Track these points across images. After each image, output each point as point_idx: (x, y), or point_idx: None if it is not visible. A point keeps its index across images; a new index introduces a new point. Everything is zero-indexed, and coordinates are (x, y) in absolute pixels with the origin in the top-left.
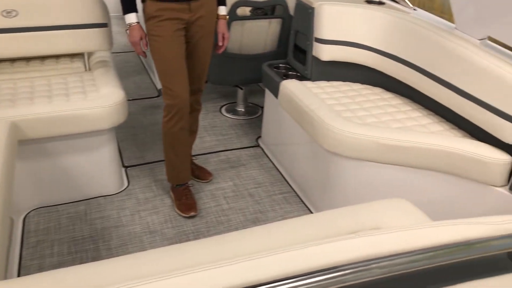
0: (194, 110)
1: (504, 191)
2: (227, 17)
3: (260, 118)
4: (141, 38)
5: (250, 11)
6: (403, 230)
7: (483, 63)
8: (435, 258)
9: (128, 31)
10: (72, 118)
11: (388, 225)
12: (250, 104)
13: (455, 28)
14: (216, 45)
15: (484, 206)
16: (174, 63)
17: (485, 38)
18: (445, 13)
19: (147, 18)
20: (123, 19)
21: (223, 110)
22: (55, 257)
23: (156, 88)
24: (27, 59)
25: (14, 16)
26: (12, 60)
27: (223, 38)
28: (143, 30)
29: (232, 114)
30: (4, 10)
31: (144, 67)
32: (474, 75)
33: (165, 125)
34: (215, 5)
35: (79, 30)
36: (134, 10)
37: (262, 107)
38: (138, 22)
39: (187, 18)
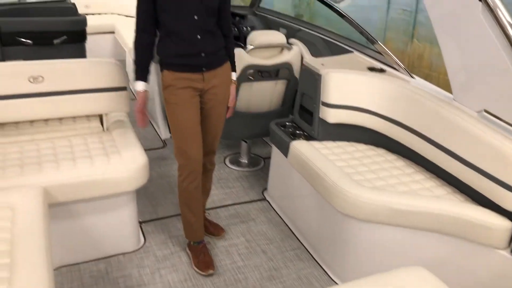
0: (208, 170)
1: (506, 253)
2: (236, 82)
3: (263, 170)
4: (143, 105)
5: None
6: None
7: (481, 134)
8: None
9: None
10: (98, 182)
11: None
12: (253, 155)
13: (453, 99)
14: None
15: (488, 267)
16: (189, 127)
17: (481, 111)
18: (433, 70)
19: (165, 86)
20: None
21: (227, 161)
22: None
23: (161, 138)
24: (46, 119)
25: (40, 82)
26: (31, 120)
27: (230, 103)
28: (147, 99)
29: (237, 166)
30: (31, 76)
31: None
32: (472, 144)
33: (180, 184)
34: (229, 74)
35: (100, 94)
36: (143, 79)
37: (264, 158)
38: (145, 91)
39: (201, 87)
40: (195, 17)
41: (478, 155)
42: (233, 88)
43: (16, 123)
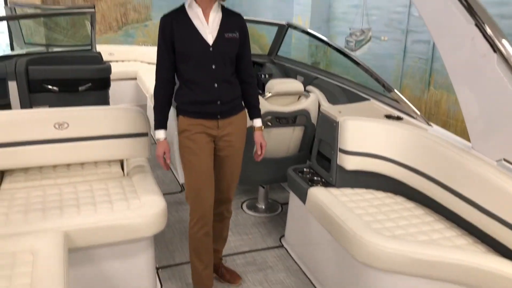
0: (225, 217)
1: None
2: (263, 127)
3: (280, 216)
4: (164, 153)
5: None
6: None
7: (501, 184)
8: None
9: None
10: (117, 227)
11: None
12: (270, 201)
13: (472, 147)
14: (255, 153)
15: None
16: (202, 172)
17: (501, 160)
18: (450, 118)
19: (180, 131)
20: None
21: (244, 206)
22: None
23: (179, 183)
24: (68, 164)
25: (65, 128)
26: (55, 165)
27: (261, 147)
28: (168, 146)
29: (254, 211)
30: (57, 123)
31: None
32: (492, 194)
33: (190, 229)
34: (244, 123)
35: (122, 140)
36: (164, 127)
37: (282, 204)
38: (165, 138)
39: (215, 134)
40: (213, 67)
41: (499, 204)
42: (259, 134)
43: (40, 167)
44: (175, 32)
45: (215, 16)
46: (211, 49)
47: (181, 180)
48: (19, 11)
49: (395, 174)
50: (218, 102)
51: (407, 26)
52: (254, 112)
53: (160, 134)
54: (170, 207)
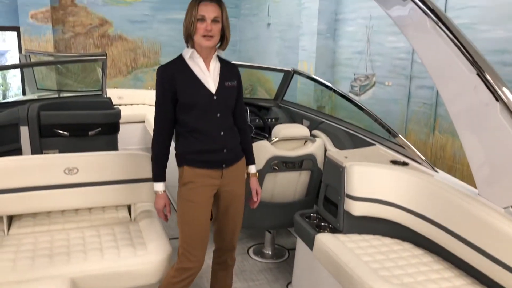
0: (228, 266)
1: None
2: (257, 174)
3: (287, 262)
4: (164, 206)
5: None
6: None
7: (509, 231)
8: None
9: (155, 197)
10: (123, 274)
11: None
12: (277, 246)
13: (478, 194)
14: (250, 200)
15: None
16: (201, 229)
17: (508, 207)
18: (456, 162)
19: (183, 182)
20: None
21: (250, 252)
22: None
23: None
24: (76, 209)
25: (75, 173)
26: (63, 210)
27: (256, 193)
28: (167, 199)
29: (260, 257)
30: (66, 168)
31: (174, 207)
32: (501, 241)
33: (171, 278)
34: (244, 169)
35: (129, 185)
36: (164, 179)
37: (289, 250)
38: (164, 191)
39: (218, 183)
40: (218, 115)
41: (508, 252)
42: (255, 180)
43: (48, 212)
44: (177, 83)
45: (215, 66)
46: (215, 97)
47: None
48: (33, 59)
49: (402, 220)
50: (224, 150)
51: (410, 72)
52: (250, 158)
53: (159, 186)
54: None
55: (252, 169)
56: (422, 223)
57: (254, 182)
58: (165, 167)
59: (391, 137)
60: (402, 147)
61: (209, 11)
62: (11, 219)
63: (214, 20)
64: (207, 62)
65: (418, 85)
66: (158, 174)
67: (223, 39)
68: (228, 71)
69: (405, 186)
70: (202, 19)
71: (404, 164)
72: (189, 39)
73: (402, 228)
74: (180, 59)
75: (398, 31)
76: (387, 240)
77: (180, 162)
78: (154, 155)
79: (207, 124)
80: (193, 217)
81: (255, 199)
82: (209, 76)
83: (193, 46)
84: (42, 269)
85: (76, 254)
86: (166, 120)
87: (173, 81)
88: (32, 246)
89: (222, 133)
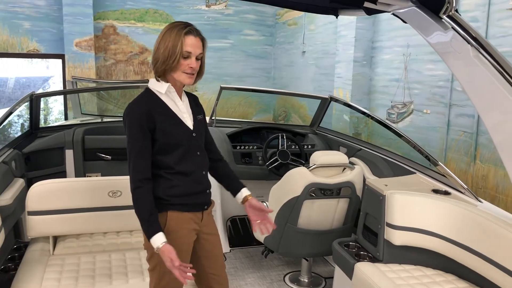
0: None
1: None
2: (251, 196)
3: None
4: (176, 258)
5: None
6: None
7: None
8: None
9: (161, 254)
10: None
11: None
12: (314, 274)
13: None
14: (264, 220)
15: None
16: (177, 283)
17: None
18: (499, 193)
19: (167, 232)
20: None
21: (286, 279)
22: None
23: None
24: (118, 231)
25: (118, 196)
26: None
27: (265, 210)
28: (173, 248)
29: (297, 285)
30: (110, 191)
31: None
32: None
33: None
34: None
35: None
36: (161, 229)
37: (325, 278)
38: (165, 242)
39: (198, 228)
40: (198, 153)
41: None
42: (255, 200)
43: (91, 234)
44: (156, 122)
45: (185, 100)
46: (194, 134)
47: (223, 249)
48: (79, 85)
49: (445, 251)
50: (207, 191)
51: (450, 100)
52: (240, 183)
53: (159, 239)
54: None
55: (246, 191)
56: (466, 254)
57: (256, 202)
58: (157, 217)
59: (431, 165)
60: (444, 175)
61: (195, 47)
62: (56, 239)
63: (198, 58)
64: (179, 98)
65: (458, 113)
66: (153, 228)
67: (198, 74)
68: (196, 104)
69: (447, 216)
70: (188, 56)
71: (446, 193)
72: (165, 72)
73: (444, 259)
74: (151, 95)
75: (437, 58)
76: (429, 271)
77: (162, 207)
78: (141, 209)
79: (190, 164)
80: (170, 271)
81: (268, 211)
82: (184, 112)
83: (166, 80)
84: None
85: (118, 276)
86: (147, 166)
87: (151, 119)
88: (75, 266)
89: (204, 172)
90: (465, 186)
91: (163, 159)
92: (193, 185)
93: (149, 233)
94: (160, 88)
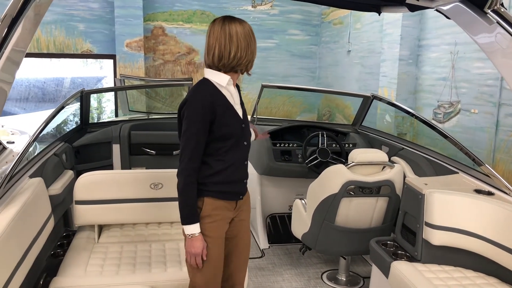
0: None
1: None
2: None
3: None
4: (203, 249)
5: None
6: None
7: None
8: None
9: (190, 240)
10: None
11: None
12: (352, 273)
13: None
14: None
15: None
16: (217, 264)
17: None
18: None
19: (202, 216)
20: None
21: (324, 277)
22: None
23: (259, 248)
24: (159, 222)
25: (160, 189)
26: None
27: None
28: (204, 241)
29: (334, 283)
30: (152, 183)
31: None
32: None
33: None
34: (249, 196)
35: None
36: (197, 220)
37: (363, 278)
38: (200, 233)
39: (232, 216)
40: (245, 143)
41: None
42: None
43: (134, 224)
44: (217, 114)
45: (236, 91)
46: (243, 125)
47: (262, 245)
48: (127, 83)
49: (487, 252)
50: (244, 181)
51: (499, 99)
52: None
53: (195, 228)
54: (250, 273)
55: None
56: (509, 257)
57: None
58: (196, 206)
59: (475, 165)
60: (488, 176)
61: None
62: (101, 228)
63: None
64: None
65: (508, 113)
66: (192, 216)
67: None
68: (240, 95)
69: (490, 217)
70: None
71: (489, 193)
72: (232, 68)
73: (486, 261)
74: (212, 86)
75: (485, 56)
76: (470, 273)
77: (200, 193)
78: (186, 198)
79: (237, 153)
80: (211, 254)
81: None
82: (237, 103)
83: (225, 73)
84: (126, 276)
85: (157, 265)
86: (202, 152)
87: (213, 111)
88: (118, 254)
89: (245, 162)
90: (510, 187)
91: (213, 147)
92: (233, 174)
93: (189, 220)
94: (220, 80)
